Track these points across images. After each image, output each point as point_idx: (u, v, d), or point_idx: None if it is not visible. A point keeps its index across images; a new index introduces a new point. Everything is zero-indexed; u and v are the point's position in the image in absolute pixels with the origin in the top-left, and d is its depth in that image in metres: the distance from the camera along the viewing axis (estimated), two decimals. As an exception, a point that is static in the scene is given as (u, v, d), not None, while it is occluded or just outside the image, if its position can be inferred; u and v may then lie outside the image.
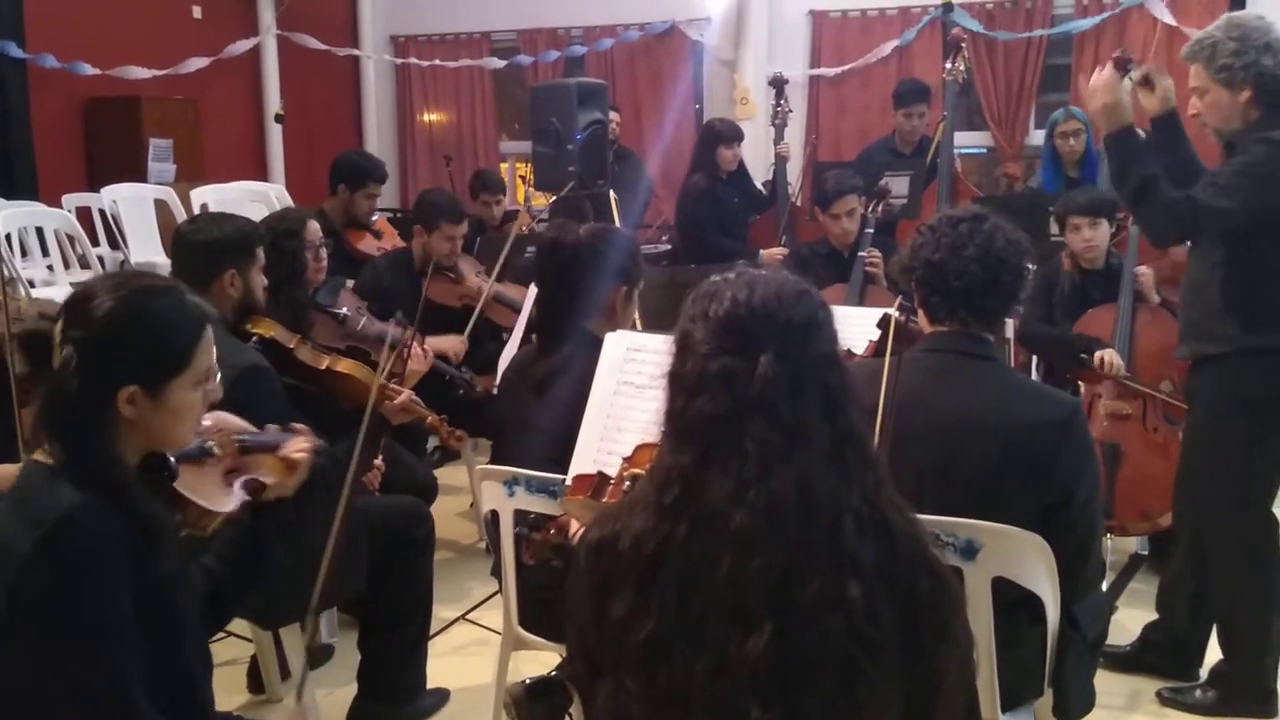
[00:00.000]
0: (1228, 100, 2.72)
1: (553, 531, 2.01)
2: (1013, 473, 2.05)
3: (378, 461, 3.13)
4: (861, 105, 7.22)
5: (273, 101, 7.85)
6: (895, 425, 1.99)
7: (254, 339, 2.80)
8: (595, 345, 2.49)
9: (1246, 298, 2.74)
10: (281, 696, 3.00)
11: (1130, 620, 3.32)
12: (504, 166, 8.39)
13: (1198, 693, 3.01)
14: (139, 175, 6.59)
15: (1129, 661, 3.16)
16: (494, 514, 2.52)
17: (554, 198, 5.37)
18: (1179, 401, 3.44)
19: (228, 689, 1.85)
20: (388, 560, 2.82)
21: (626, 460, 1.89)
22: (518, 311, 4.31)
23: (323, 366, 2.92)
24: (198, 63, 7.16)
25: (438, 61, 8.18)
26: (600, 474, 1.92)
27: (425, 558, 2.95)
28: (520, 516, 2.32)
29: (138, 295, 1.68)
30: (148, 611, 1.60)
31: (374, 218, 4.88)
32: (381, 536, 2.82)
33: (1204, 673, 3.06)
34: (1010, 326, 3.77)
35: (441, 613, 3.32)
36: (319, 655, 3.28)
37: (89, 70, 6.45)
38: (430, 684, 3.02)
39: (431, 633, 3.05)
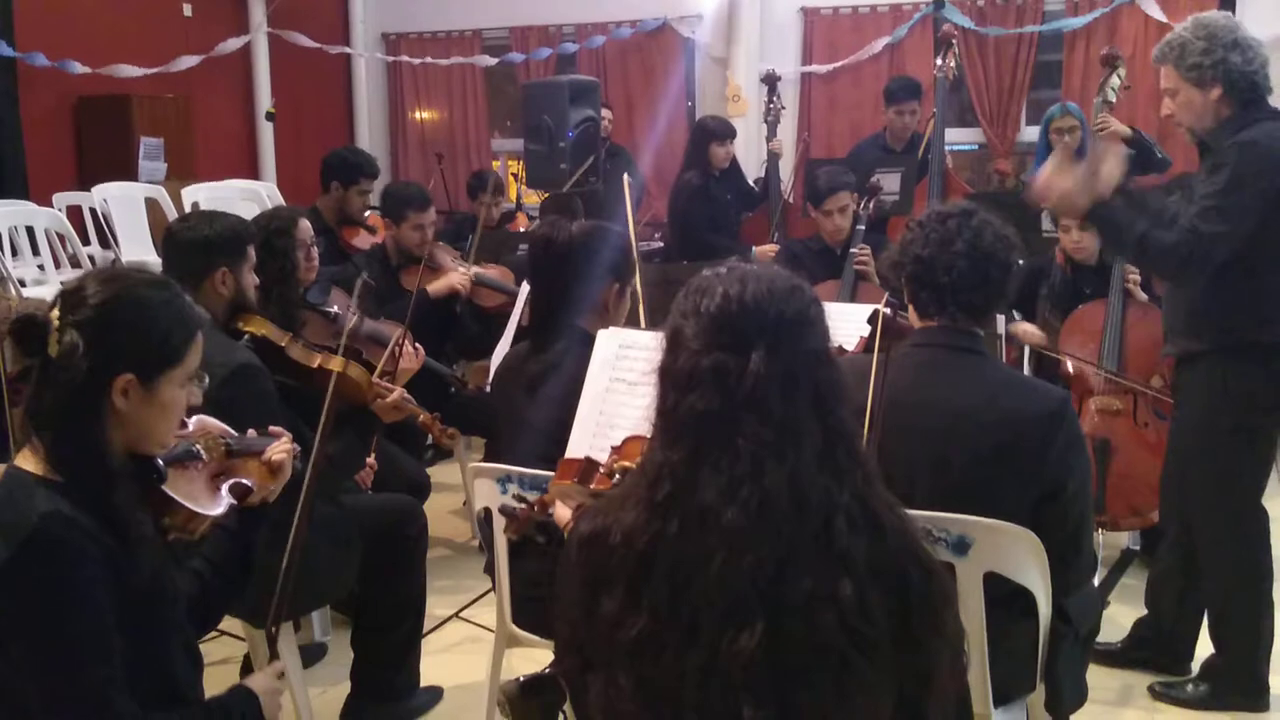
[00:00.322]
0: (1199, 99, 2.76)
1: (536, 509, 2.01)
2: (1003, 465, 2.06)
3: (370, 459, 3.13)
4: (853, 102, 7.22)
5: (264, 99, 7.84)
6: (886, 420, 2.00)
7: (245, 337, 2.79)
8: (588, 342, 2.49)
9: (1230, 294, 2.75)
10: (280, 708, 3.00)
11: (1122, 615, 3.33)
12: (496, 164, 8.39)
13: (1189, 687, 3.02)
14: (130, 174, 6.57)
15: (1120, 658, 3.17)
16: (487, 511, 2.52)
17: (547, 195, 5.37)
18: (1169, 397, 3.45)
19: (220, 687, 1.86)
20: (381, 558, 2.82)
21: (615, 450, 1.89)
22: (500, 291, 4.31)
23: (314, 365, 2.92)
24: (188, 61, 7.14)
25: (429, 59, 8.16)
26: (588, 459, 1.92)
27: (418, 556, 2.95)
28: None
29: (134, 286, 1.69)
30: (129, 615, 1.60)
31: (367, 214, 4.88)
32: (374, 534, 2.81)
33: (1196, 667, 3.07)
34: (1000, 322, 3.78)
35: (435, 610, 3.32)
36: (312, 654, 3.29)
37: (79, 68, 6.43)
38: (423, 682, 3.02)
39: (425, 630, 3.05)
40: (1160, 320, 3.10)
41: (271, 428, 2.03)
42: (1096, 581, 3.21)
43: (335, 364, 2.86)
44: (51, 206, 6.05)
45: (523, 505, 2.01)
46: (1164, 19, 6.41)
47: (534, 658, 2.47)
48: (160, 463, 1.75)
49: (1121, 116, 4.13)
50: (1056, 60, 6.89)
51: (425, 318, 3.82)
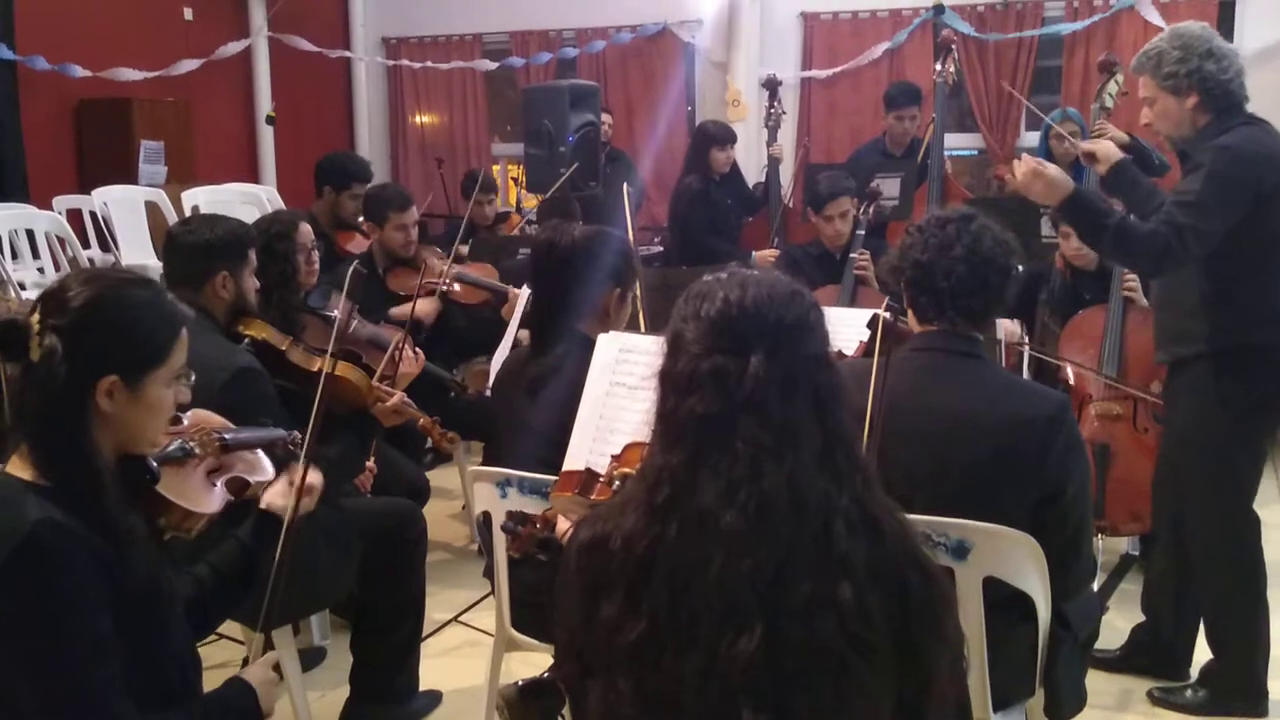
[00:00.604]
0: (1176, 107, 2.80)
1: (538, 525, 2.01)
2: (1003, 469, 2.06)
3: (370, 463, 3.13)
4: (853, 107, 7.23)
5: (264, 103, 7.84)
6: (885, 425, 2.00)
7: (246, 341, 2.80)
8: (588, 346, 2.49)
9: (1220, 299, 2.77)
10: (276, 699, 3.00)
11: (1122, 620, 3.33)
12: (496, 168, 8.39)
13: (1188, 692, 3.02)
14: (130, 177, 6.57)
15: (1119, 664, 3.17)
16: (486, 515, 2.53)
17: (542, 198, 5.37)
18: (1169, 402, 3.46)
19: (220, 692, 1.87)
20: (380, 561, 2.82)
21: (615, 459, 1.89)
22: (482, 289, 4.31)
23: (314, 368, 2.92)
24: (189, 64, 7.14)
25: (429, 63, 8.17)
26: (588, 470, 1.92)
27: (417, 559, 2.95)
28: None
29: (116, 286, 1.67)
30: (125, 618, 1.59)
31: (360, 218, 4.86)
32: (374, 538, 2.81)
33: (1195, 672, 3.07)
34: (1000, 327, 3.79)
35: (434, 614, 3.32)
36: (311, 658, 3.28)
37: (80, 72, 6.43)
38: (422, 686, 3.02)
39: (424, 634, 3.05)
40: (1160, 326, 3.10)
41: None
42: (1096, 586, 3.22)
43: (336, 367, 2.87)
44: (52, 209, 6.04)
45: (524, 524, 2.01)
46: (1163, 25, 6.41)
47: (533, 662, 2.47)
48: (153, 463, 1.74)
49: (1120, 122, 4.14)
50: (1056, 65, 6.90)
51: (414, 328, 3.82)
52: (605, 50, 7.69)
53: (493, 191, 5.74)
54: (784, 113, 5.82)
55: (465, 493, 4.29)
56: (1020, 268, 2.24)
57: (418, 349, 3.28)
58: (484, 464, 2.66)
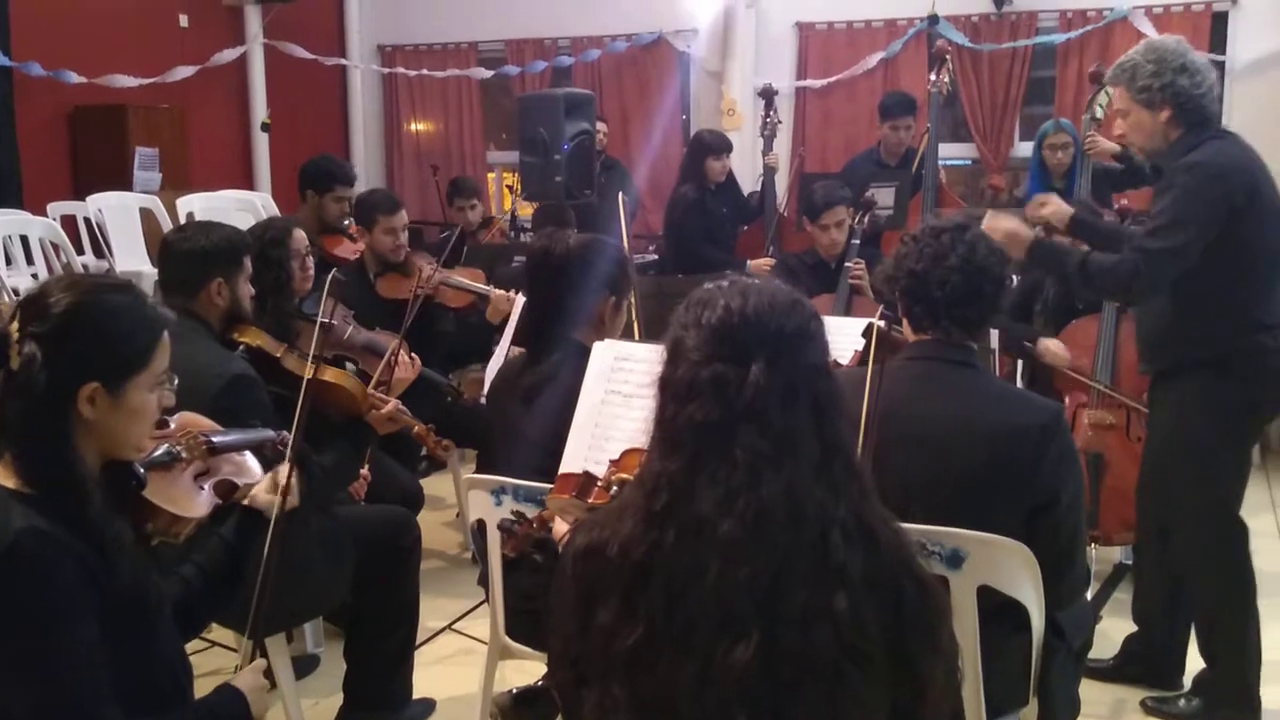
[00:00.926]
0: (1149, 120, 2.84)
1: (535, 525, 2.01)
2: (997, 477, 2.07)
3: (364, 470, 3.13)
4: (848, 116, 7.24)
5: (259, 110, 7.83)
6: (880, 433, 2.00)
7: (240, 348, 2.80)
8: (583, 355, 2.49)
9: (1199, 310, 2.80)
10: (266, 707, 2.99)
11: (1115, 630, 3.33)
12: (491, 176, 8.39)
13: (1181, 701, 3.03)
14: (124, 184, 6.55)
15: (1111, 674, 3.18)
16: (481, 523, 2.52)
17: (537, 206, 5.38)
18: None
19: (213, 699, 1.87)
20: (374, 569, 2.81)
21: (614, 464, 1.89)
22: (467, 293, 4.31)
23: (310, 376, 2.91)
24: (184, 71, 7.14)
25: (425, 71, 8.17)
26: (586, 474, 1.92)
27: (411, 567, 2.95)
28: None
29: (95, 291, 1.66)
30: (113, 625, 1.59)
31: (346, 221, 4.83)
32: (368, 545, 2.81)
33: (1188, 681, 3.08)
34: (994, 336, 3.80)
35: (428, 622, 3.31)
36: (304, 665, 3.28)
37: (75, 78, 6.42)
38: (416, 694, 3.01)
39: (418, 642, 3.05)
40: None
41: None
42: (1089, 596, 3.22)
43: (330, 375, 2.86)
44: (46, 216, 6.03)
45: (521, 523, 2.01)
46: (1156, 36, 6.44)
47: (527, 670, 2.46)
48: (139, 469, 1.74)
49: (1111, 133, 4.16)
50: (1050, 76, 6.92)
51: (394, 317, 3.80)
52: (600, 59, 7.70)
53: (473, 196, 5.72)
54: (779, 122, 5.83)
55: (459, 500, 4.28)
56: (1015, 278, 2.25)
57: (413, 355, 3.28)
58: (478, 472, 2.67)
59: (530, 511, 2.29)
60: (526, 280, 2.88)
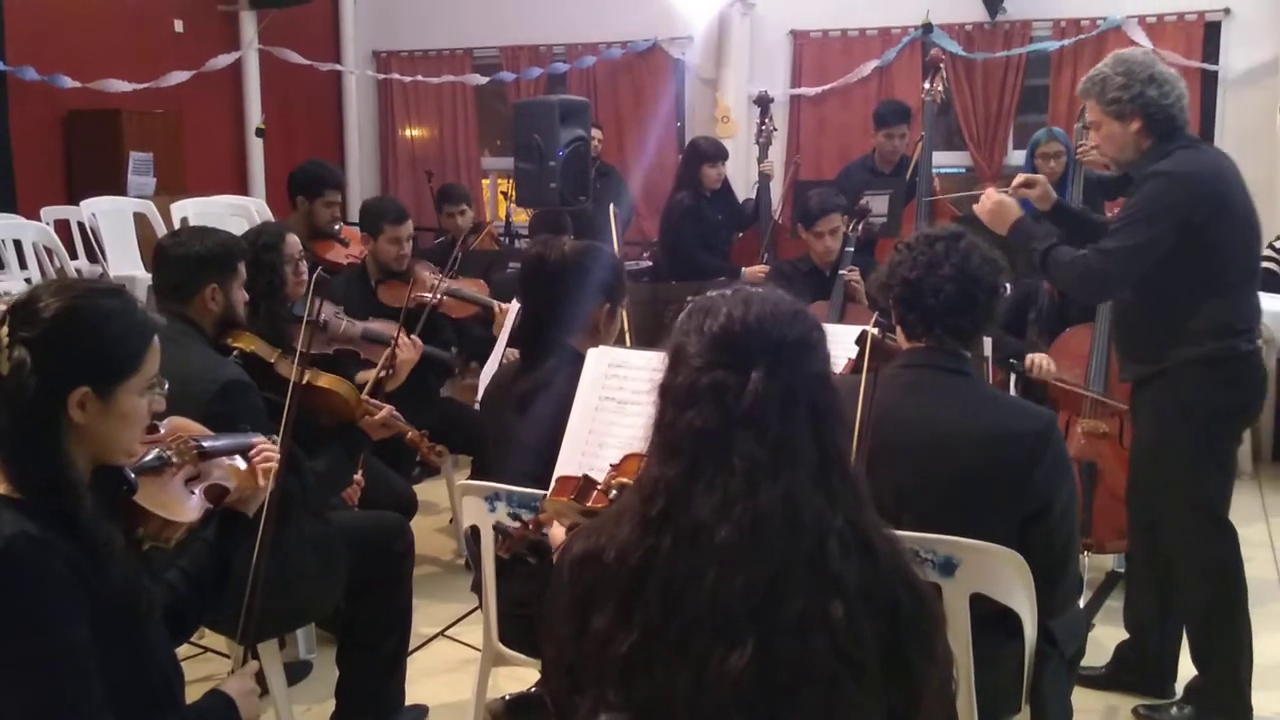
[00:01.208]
0: (1120, 131, 2.88)
1: (530, 528, 2.01)
2: (990, 485, 2.07)
3: (358, 476, 3.13)
4: (842, 124, 7.26)
5: (254, 115, 7.83)
6: (873, 440, 2.01)
7: (235, 353, 2.79)
8: (578, 361, 2.49)
9: (1174, 316, 2.83)
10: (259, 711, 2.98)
11: (1108, 638, 3.34)
12: (485, 182, 8.39)
13: (1174, 709, 3.03)
14: (119, 188, 6.55)
15: (1104, 682, 3.18)
16: (474, 529, 2.52)
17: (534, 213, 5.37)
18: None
19: (205, 705, 1.87)
20: (367, 576, 2.81)
21: (614, 468, 1.90)
22: (470, 303, 4.31)
23: (304, 381, 2.91)
24: (179, 76, 7.13)
25: (420, 77, 8.18)
26: (585, 477, 1.92)
27: (404, 573, 2.94)
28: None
29: (85, 296, 1.66)
30: (104, 630, 1.59)
31: (337, 226, 4.83)
32: (361, 551, 2.81)
33: (1180, 689, 3.08)
34: (987, 344, 3.80)
35: (420, 629, 3.31)
36: (297, 671, 3.27)
37: (69, 83, 6.42)
38: (409, 700, 3.00)
39: (410, 649, 3.04)
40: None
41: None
42: (1082, 604, 3.22)
43: (323, 380, 2.86)
44: (40, 220, 6.03)
45: (517, 524, 2.01)
46: (1149, 45, 6.47)
47: (520, 676, 2.46)
48: (130, 474, 1.73)
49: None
50: (1044, 85, 6.95)
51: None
52: (596, 66, 7.71)
53: (462, 202, 5.71)
54: (774, 129, 5.85)
55: (453, 507, 4.28)
56: (1009, 286, 2.26)
57: (414, 336, 3.26)
58: (472, 478, 2.66)
59: (526, 516, 2.30)
60: (522, 286, 2.87)
